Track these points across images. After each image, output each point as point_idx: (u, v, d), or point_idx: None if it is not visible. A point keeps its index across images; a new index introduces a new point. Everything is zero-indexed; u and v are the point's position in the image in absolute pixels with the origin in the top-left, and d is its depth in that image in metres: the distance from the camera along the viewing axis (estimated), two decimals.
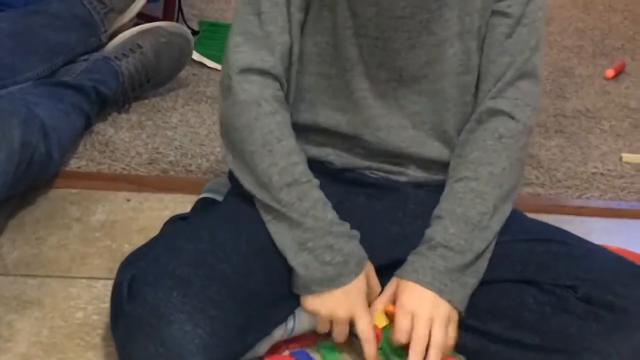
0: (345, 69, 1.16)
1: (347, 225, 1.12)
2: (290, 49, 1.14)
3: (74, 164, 1.60)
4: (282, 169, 1.11)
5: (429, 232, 1.14)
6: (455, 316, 1.11)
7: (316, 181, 1.13)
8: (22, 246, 1.37)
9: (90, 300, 1.26)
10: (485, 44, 1.17)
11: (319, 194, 1.12)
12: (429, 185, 1.21)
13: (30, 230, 1.41)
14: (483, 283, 1.13)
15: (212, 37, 2.12)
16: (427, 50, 1.14)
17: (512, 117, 1.16)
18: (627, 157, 1.82)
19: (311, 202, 1.10)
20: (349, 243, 1.11)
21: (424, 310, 1.09)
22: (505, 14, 1.15)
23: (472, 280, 1.12)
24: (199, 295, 1.02)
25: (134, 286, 1.04)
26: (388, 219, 1.20)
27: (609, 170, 1.77)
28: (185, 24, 2.09)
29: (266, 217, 1.12)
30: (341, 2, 1.12)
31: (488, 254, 1.14)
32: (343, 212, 1.13)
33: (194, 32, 2.07)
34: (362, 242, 1.13)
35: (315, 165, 1.16)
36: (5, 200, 1.39)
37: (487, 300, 1.13)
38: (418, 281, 1.11)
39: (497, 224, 1.15)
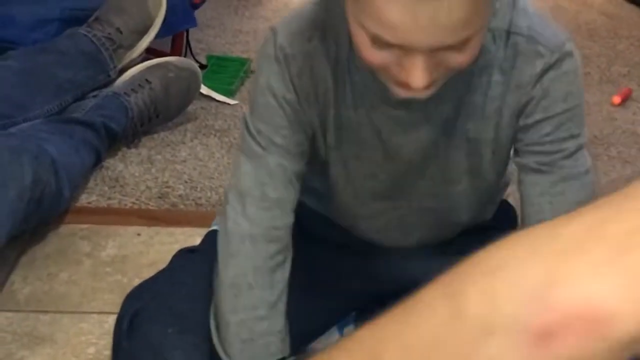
0: (351, 219, 1.11)
1: None
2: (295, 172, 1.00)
3: (84, 199, 1.61)
4: (242, 321, 0.98)
5: None
6: None
7: (276, 338, 0.99)
8: (33, 282, 1.38)
9: (101, 335, 1.27)
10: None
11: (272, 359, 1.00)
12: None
13: (42, 266, 1.42)
14: None
15: (220, 70, 2.13)
16: (436, 188, 1.06)
17: None
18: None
19: None
20: None
21: None
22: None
23: None
24: (195, 331, 1.02)
25: (135, 321, 1.04)
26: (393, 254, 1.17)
27: None
28: (194, 58, 2.11)
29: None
30: (349, 151, 1.02)
31: None
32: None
33: (202, 66, 2.08)
34: (367, 274, 1.12)
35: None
36: (16, 237, 1.40)
37: None
38: None
39: None
